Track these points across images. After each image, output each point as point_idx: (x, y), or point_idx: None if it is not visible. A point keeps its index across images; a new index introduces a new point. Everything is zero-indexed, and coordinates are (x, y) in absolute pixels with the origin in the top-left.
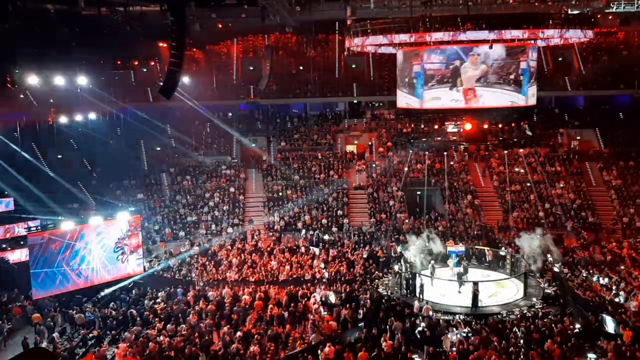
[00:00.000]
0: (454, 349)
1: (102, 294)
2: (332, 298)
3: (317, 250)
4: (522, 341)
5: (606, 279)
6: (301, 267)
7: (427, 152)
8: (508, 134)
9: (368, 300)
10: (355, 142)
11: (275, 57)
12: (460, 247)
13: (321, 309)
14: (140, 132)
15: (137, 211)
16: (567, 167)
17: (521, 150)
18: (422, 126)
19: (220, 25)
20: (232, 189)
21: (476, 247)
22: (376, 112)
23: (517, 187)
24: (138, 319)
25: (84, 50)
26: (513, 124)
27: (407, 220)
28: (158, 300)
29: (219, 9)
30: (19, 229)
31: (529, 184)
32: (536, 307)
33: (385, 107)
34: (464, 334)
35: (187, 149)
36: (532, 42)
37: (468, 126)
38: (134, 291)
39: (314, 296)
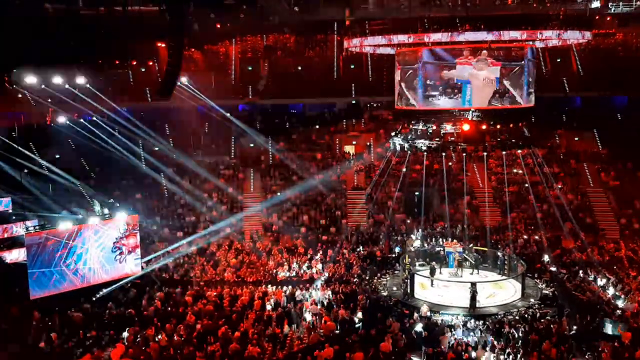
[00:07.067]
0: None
1: (100, 294)
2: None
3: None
4: (519, 342)
5: (604, 280)
6: (299, 268)
7: (425, 153)
8: (506, 135)
9: (366, 301)
10: (354, 142)
11: (274, 58)
12: (458, 248)
13: (319, 309)
14: (139, 132)
15: (135, 211)
16: (564, 169)
17: (519, 151)
18: (421, 127)
19: (218, 25)
20: (230, 189)
21: (475, 247)
22: (375, 113)
23: (515, 187)
24: (136, 319)
25: (82, 49)
26: (511, 125)
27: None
28: (156, 300)
29: (218, 9)
30: (17, 229)
31: (526, 185)
32: (534, 308)
33: (383, 107)
34: (462, 335)
35: (186, 148)
36: (531, 43)
37: (466, 127)
38: (132, 291)
39: (312, 297)
